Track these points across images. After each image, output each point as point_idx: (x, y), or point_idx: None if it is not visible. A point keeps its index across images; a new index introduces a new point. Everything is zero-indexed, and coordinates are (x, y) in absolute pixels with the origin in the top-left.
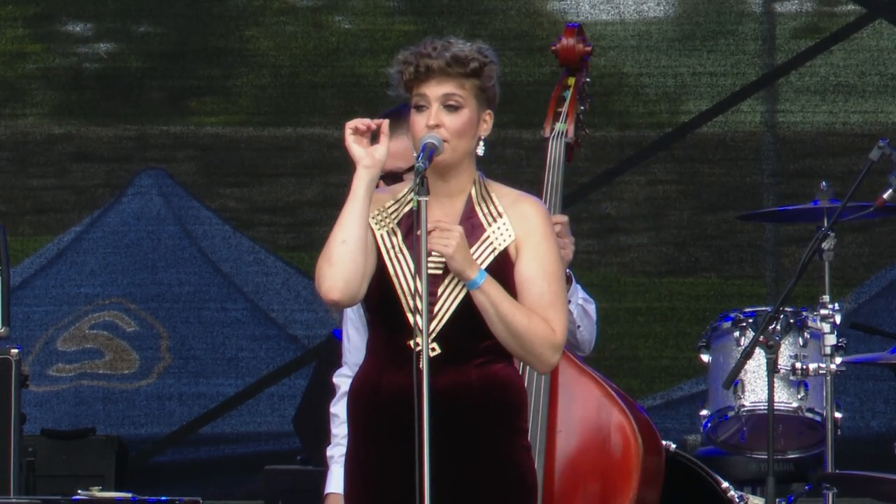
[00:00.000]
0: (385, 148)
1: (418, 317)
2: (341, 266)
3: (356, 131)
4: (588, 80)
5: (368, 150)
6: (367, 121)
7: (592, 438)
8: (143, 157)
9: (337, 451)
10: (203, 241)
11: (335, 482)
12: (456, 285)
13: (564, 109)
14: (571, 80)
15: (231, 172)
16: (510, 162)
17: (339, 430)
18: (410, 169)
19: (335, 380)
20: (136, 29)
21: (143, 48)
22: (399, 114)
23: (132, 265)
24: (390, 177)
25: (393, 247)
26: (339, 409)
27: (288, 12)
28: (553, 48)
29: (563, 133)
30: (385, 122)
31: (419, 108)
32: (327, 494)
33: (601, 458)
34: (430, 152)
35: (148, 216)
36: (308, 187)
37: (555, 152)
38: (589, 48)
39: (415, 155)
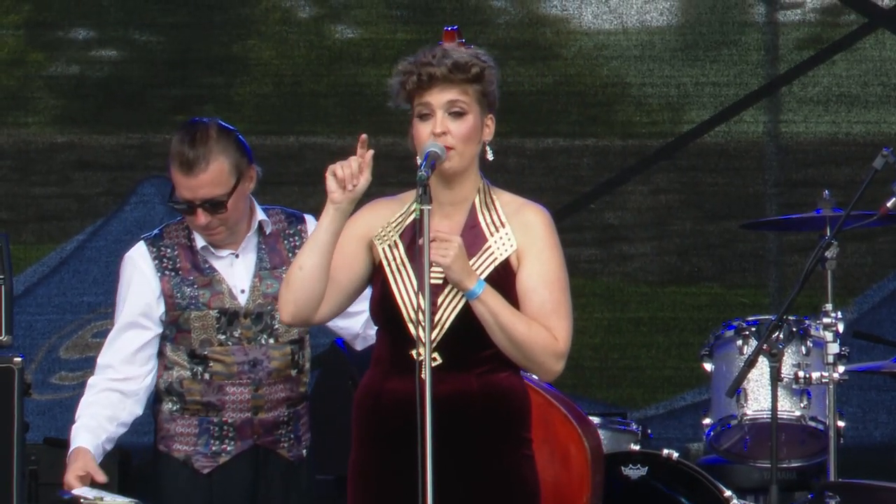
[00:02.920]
0: (366, 182)
1: (421, 328)
2: (294, 291)
3: (334, 175)
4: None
5: (343, 186)
6: (350, 165)
7: (538, 450)
8: (146, 165)
9: (77, 431)
10: None
11: (80, 439)
12: (456, 295)
13: None
14: None
15: None
16: (513, 171)
17: (80, 411)
18: (229, 195)
19: (90, 380)
20: (139, 38)
21: (145, 57)
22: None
23: None
24: (210, 204)
25: (395, 259)
26: (81, 403)
27: (290, 21)
28: None
29: None
30: (369, 154)
31: (423, 117)
32: (74, 449)
33: (551, 469)
34: (433, 160)
35: (151, 225)
36: (311, 196)
37: None
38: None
39: (419, 163)
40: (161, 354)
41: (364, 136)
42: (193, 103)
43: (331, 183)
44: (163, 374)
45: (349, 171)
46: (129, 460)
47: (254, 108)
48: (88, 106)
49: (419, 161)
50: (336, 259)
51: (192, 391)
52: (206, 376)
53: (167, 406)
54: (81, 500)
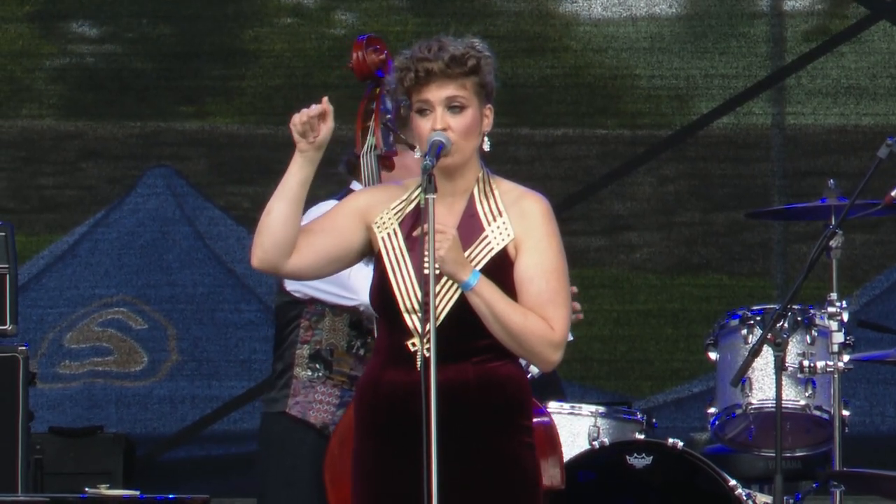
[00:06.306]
0: (328, 131)
1: (418, 318)
2: (261, 235)
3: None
4: (393, 85)
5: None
6: (308, 113)
7: None
8: (154, 155)
9: None
10: (217, 243)
11: None
12: (452, 285)
13: (371, 123)
14: (378, 91)
15: (244, 170)
16: (522, 161)
17: None
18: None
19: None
20: (149, 29)
21: (155, 48)
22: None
23: (145, 266)
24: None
25: (394, 248)
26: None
27: (301, 13)
28: (349, 66)
29: (373, 146)
30: (324, 101)
31: (422, 112)
32: None
33: None
34: (437, 149)
35: (161, 217)
36: (322, 187)
37: (369, 167)
38: (383, 56)
39: (419, 155)
40: (318, 317)
41: (325, 98)
42: (204, 94)
43: (295, 133)
44: (309, 340)
45: (306, 127)
46: (133, 450)
47: (264, 100)
48: (98, 97)
49: (420, 154)
50: (325, 223)
51: (341, 362)
52: (361, 352)
53: (306, 373)
54: (87, 489)
